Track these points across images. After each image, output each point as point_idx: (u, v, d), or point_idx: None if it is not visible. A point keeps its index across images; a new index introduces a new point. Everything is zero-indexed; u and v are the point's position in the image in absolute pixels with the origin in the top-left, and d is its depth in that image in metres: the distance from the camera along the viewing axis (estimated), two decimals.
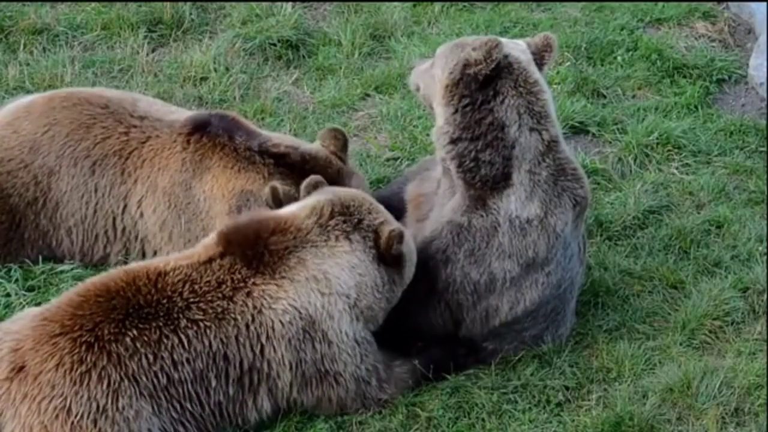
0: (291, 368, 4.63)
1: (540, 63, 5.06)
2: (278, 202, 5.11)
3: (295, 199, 5.04)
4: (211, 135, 5.46)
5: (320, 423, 4.75)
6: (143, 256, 5.53)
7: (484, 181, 4.95)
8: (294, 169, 5.41)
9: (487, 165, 4.93)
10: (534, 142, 4.95)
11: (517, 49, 5.02)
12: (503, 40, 4.99)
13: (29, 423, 4.24)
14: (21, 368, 4.31)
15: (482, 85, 4.90)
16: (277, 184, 5.16)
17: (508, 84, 4.91)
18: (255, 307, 4.58)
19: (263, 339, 4.58)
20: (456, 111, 4.95)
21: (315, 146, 5.61)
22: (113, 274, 4.65)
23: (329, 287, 4.67)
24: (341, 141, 5.58)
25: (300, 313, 4.62)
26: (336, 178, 5.44)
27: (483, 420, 4.84)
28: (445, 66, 4.99)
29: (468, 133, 4.93)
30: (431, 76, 5.12)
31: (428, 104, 5.26)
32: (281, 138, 5.66)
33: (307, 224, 4.75)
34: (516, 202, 4.95)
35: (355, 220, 4.79)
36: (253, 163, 5.40)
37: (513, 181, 4.94)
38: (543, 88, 5.01)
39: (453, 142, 4.97)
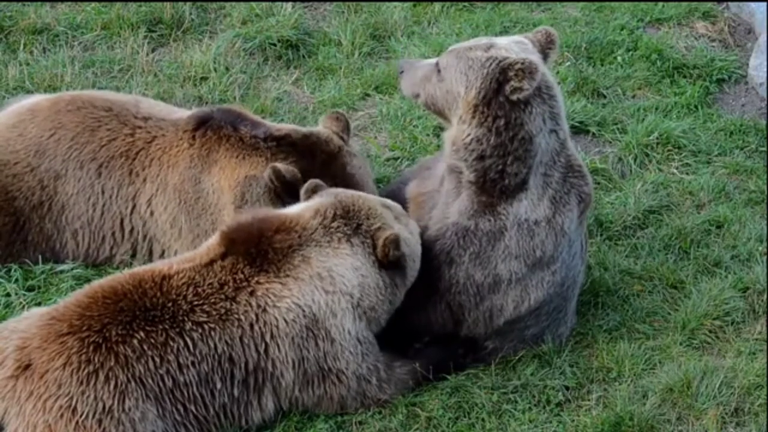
0: (294, 366, 4.64)
1: (544, 59, 4.97)
2: (283, 181, 5.13)
3: (298, 177, 5.05)
4: (215, 128, 5.48)
5: (320, 423, 4.76)
6: (150, 255, 5.55)
7: (503, 190, 4.90)
8: (296, 147, 5.42)
9: (511, 176, 4.87)
10: (553, 143, 4.92)
11: (529, 50, 4.92)
12: (509, 45, 4.86)
13: (33, 421, 4.23)
14: (27, 366, 4.31)
15: (517, 104, 4.79)
16: (278, 165, 5.19)
17: (536, 95, 4.81)
18: (259, 306, 4.58)
19: (267, 338, 4.58)
20: (489, 131, 4.82)
21: (317, 128, 5.65)
22: (119, 277, 4.66)
23: (333, 285, 4.68)
24: (342, 122, 5.62)
25: (304, 311, 4.62)
26: (336, 155, 5.47)
27: (483, 420, 4.84)
28: (469, 83, 4.82)
29: (500, 150, 4.84)
30: (446, 91, 4.93)
31: (437, 113, 5.10)
32: (283, 125, 5.69)
33: (312, 224, 4.76)
34: (527, 206, 4.92)
35: (354, 225, 4.80)
36: (257, 149, 5.40)
37: (529, 185, 4.92)
38: (557, 88, 4.96)
39: (481, 158, 4.89)
